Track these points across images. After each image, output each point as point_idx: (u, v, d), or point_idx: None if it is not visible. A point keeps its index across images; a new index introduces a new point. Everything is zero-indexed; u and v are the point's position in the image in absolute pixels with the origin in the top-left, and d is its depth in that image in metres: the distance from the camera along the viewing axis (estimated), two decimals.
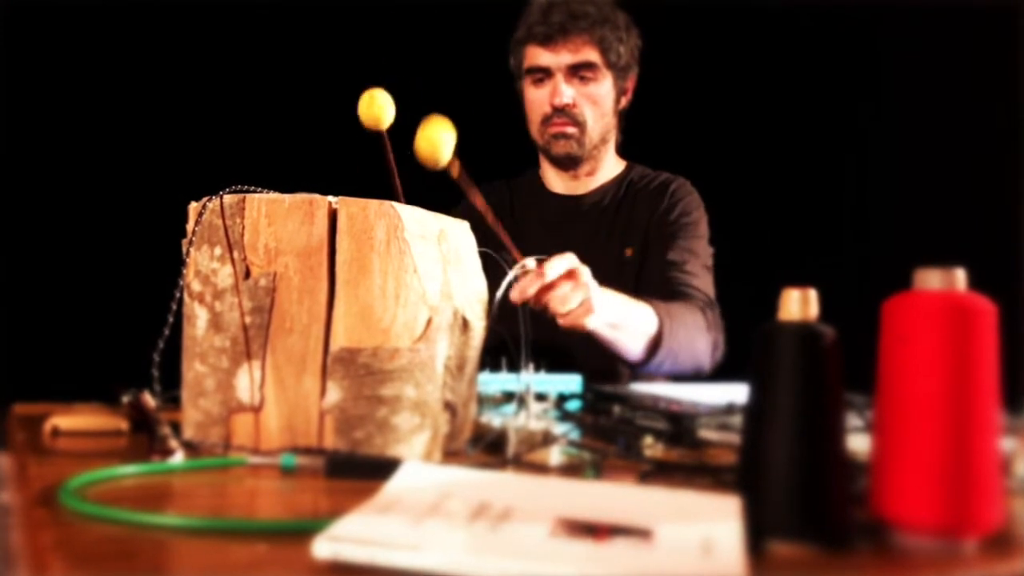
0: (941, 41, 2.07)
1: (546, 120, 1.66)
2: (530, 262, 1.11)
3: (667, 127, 2.13)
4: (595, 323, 1.19)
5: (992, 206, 2.01)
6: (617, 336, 1.32)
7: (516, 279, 1.06)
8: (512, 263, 1.06)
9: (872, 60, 2.23)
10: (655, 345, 1.38)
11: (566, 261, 1.13)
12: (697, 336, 1.48)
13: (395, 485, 0.66)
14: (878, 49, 2.20)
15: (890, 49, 2.18)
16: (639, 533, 0.57)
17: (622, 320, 1.30)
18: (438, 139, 1.04)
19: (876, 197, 2.20)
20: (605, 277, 1.38)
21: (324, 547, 0.52)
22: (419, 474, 0.70)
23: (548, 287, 1.10)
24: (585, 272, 1.15)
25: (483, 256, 1.04)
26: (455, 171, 1.09)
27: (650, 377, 1.66)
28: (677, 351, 1.42)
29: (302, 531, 0.56)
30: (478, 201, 1.12)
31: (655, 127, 1.96)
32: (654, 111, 1.86)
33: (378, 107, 1.04)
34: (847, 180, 2.26)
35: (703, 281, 1.61)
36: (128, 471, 0.75)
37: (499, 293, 1.05)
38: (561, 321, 1.15)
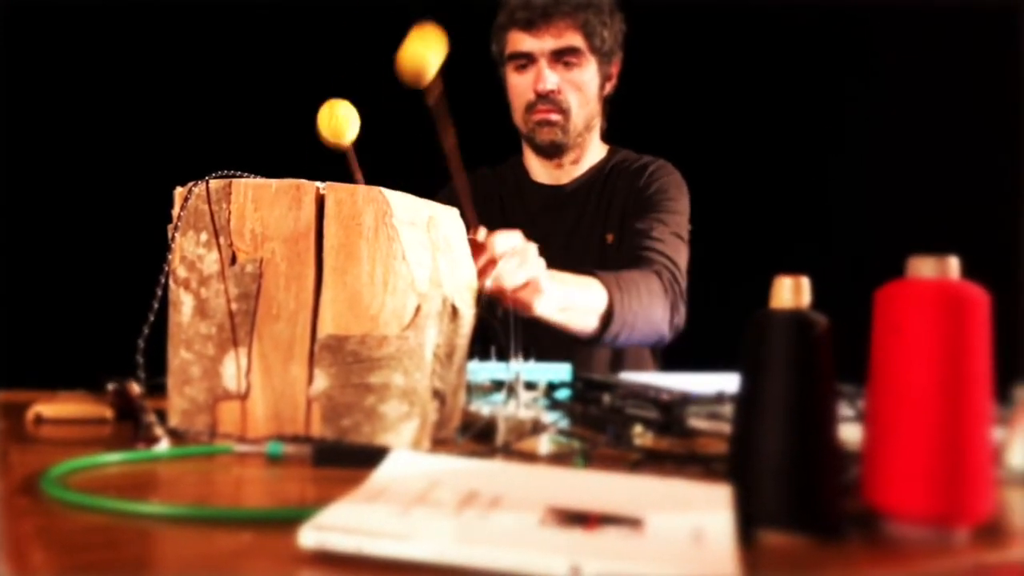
0: (937, 27, 2.06)
1: (530, 107, 1.64)
2: (482, 233, 1.09)
3: (656, 112, 2.12)
4: (543, 308, 1.18)
5: (985, 194, 2.01)
6: (568, 318, 1.30)
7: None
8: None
9: (867, 45, 2.22)
10: (607, 319, 1.37)
11: (514, 237, 1.11)
12: (652, 303, 1.45)
13: (382, 474, 0.66)
14: (873, 34, 2.19)
15: (886, 35, 2.17)
16: (630, 522, 0.56)
17: (570, 302, 1.28)
18: (424, 58, 0.99)
19: (869, 184, 2.19)
20: (589, 264, 1.37)
21: (310, 536, 0.52)
22: (407, 462, 0.69)
23: (494, 261, 1.08)
24: (533, 251, 1.13)
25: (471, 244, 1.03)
26: (433, 97, 1.04)
27: (639, 364, 1.66)
28: (632, 322, 1.40)
29: (288, 520, 0.55)
30: (450, 140, 1.08)
31: (643, 112, 1.95)
32: (643, 96, 1.85)
33: (340, 120, 1.00)
34: (840, 167, 2.26)
35: (668, 247, 1.58)
36: (112, 459, 0.75)
37: (488, 282, 1.04)
38: (507, 299, 1.12)
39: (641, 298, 1.42)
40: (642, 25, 1.74)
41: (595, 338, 1.40)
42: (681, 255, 1.60)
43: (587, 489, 0.64)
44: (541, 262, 1.15)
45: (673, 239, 1.60)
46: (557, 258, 1.23)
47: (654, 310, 1.46)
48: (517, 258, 1.10)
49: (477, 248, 1.06)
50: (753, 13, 2.25)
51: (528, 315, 1.17)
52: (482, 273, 1.06)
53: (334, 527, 0.52)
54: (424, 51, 0.98)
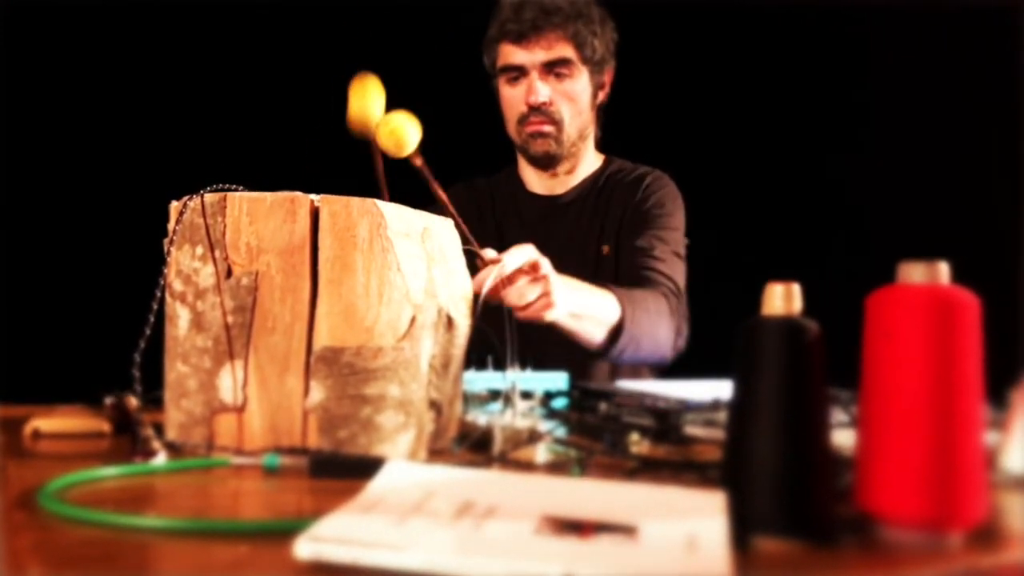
0: (932, 32, 2.07)
1: (522, 119, 1.64)
2: (490, 252, 1.10)
3: (649, 120, 2.12)
4: (555, 315, 1.19)
5: (978, 197, 2.02)
6: (579, 326, 1.32)
7: (480, 272, 1.06)
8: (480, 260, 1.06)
9: (859, 49, 2.22)
10: (616, 333, 1.38)
11: (524, 253, 1.12)
12: (659, 323, 1.47)
13: (378, 484, 0.66)
14: (866, 38, 2.20)
15: (882, 40, 2.17)
16: (624, 530, 0.56)
17: (583, 309, 1.30)
18: (402, 131, 1.03)
19: (860, 190, 2.20)
20: (585, 276, 1.37)
21: (306, 547, 0.52)
22: (403, 473, 0.69)
23: (506, 281, 1.09)
24: (545, 264, 1.15)
25: (467, 254, 1.03)
26: (418, 162, 1.08)
27: (636, 373, 1.67)
28: (639, 338, 1.41)
29: (285, 531, 0.56)
30: (440, 193, 1.11)
31: (637, 120, 1.96)
32: (636, 104, 1.85)
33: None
34: (831, 173, 2.26)
35: (670, 267, 1.59)
36: (109, 473, 0.75)
37: (483, 291, 1.05)
38: (519, 314, 1.14)
39: (650, 316, 1.44)
40: (635, 33, 1.74)
41: (602, 352, 1.40)
42: (681, 275, 1.62)
43: (582, 497, 0.65)
44: (554, 273, 1.16)
45: (673, 258, 1.61)
46: (553, 268, 1.23)
47: (660, 330, 1.47)
48: (529, 275, 1.13)
49: (486, 267, 1.08)
50: (745, 20, 2.26)
51: (539, 323, 1.18)
52: (495, 293, 1.08)
53: (330, 538, 0.53)
54: (402, 127, 1.04)
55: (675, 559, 0.52)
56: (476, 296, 1.01)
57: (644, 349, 1.44)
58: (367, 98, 1.02)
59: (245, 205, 0.85)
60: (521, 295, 1.13)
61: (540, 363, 1.12)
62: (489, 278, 1.05)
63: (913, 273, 0.62)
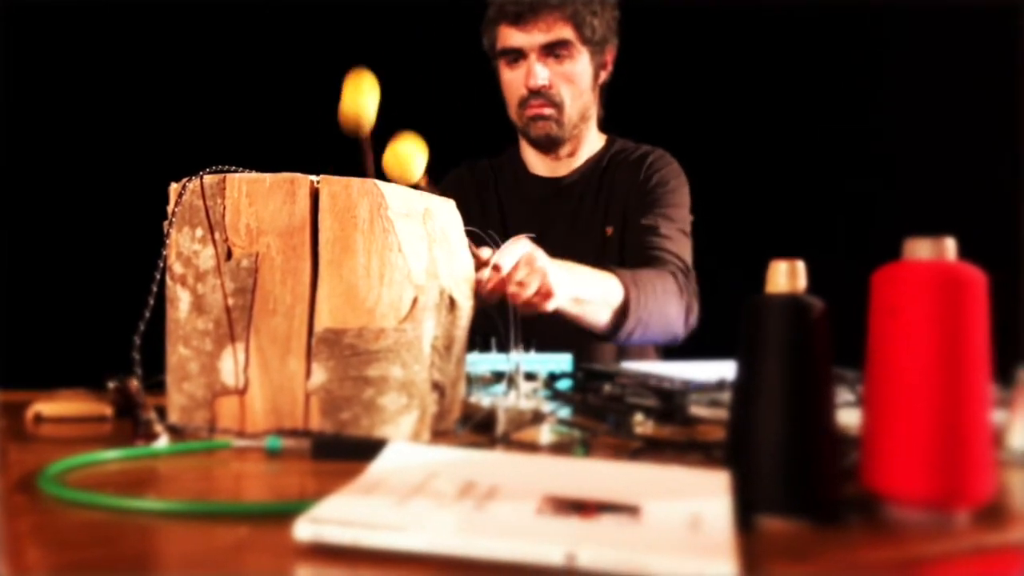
0: (938, 18, 2.05)
1: (523, 103, 1.62)
2: (485, 252, 1.08)
3: (653, 99, 2.11)
4: (556, 304, 1.18)
5: (983, 175, 2.01)
6: (582, 310, 1.30)
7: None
8: (499, 242, 1.05)
9: (865, 29, 2.21)
10: (623, 315, 1.37)
11: (518, 249, 1.10)
12: (668, 302, 1.45)
13: (380, 466, 0.65)
14: (871, 17, 2.18)
15: (884, 19, 2.16)
16: (627, 510, 0.56)
17: (584, 294, 1.28)
18: (408, 157, 1.03)
19: (865, 167, 2.18)
20: (589, 257, 1.36)
21: (306, 529, 0.52)
22: (404, 454, 0.69)
23: (504, 279, 1.07)
24: (539, 256, 1.13)
25: (469, 235, 1.02)
26: (422, 183, 1.07)
27: (641, 354, 1.66)
28: (647, 320, 1.40)
29: (286, 513, 0.55)
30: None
31: (640, 99, 1.94)
32: (639, 83, 1.84)
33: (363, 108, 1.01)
34: (836, 150, 2.25)
35: (677, 244, 1.58)
36: (110, 456, 0.74)
37: (487, 273, 1.04)
38: (521, 309, 1.13)
39: (657, 297, 1.42)
40: (636, 11, 1.73)
41: (609, 334, 1.39)
42: (688, 251, 1.60)
43: (585, 478, 0.64)
44: (550, 263, 1.14)
45: (679, 236, 1.60)
46: (556, 250, 1.22)
47: (669, 309, 1.45)
48: (526, 269, 1.11)
49: (483, 266, 1.06)
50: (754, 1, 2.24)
51: (542, 313, 1.17)
52: (493, 292, 1.07)
53: (330, 520, 0.52)
54: (408, 153, 1.04)
55: (679, 539, 0.51)
56: (477, 278, 1.00)
57: (653, 330, 1.43)
58: (360, 94, 1.01)
59: (244, 186, 0.84)
60: (520, 291, 1.11)
61: (543, 344, 1.11)
62: (489, 282, 1.05)
63: (919, 249, 0.61)
